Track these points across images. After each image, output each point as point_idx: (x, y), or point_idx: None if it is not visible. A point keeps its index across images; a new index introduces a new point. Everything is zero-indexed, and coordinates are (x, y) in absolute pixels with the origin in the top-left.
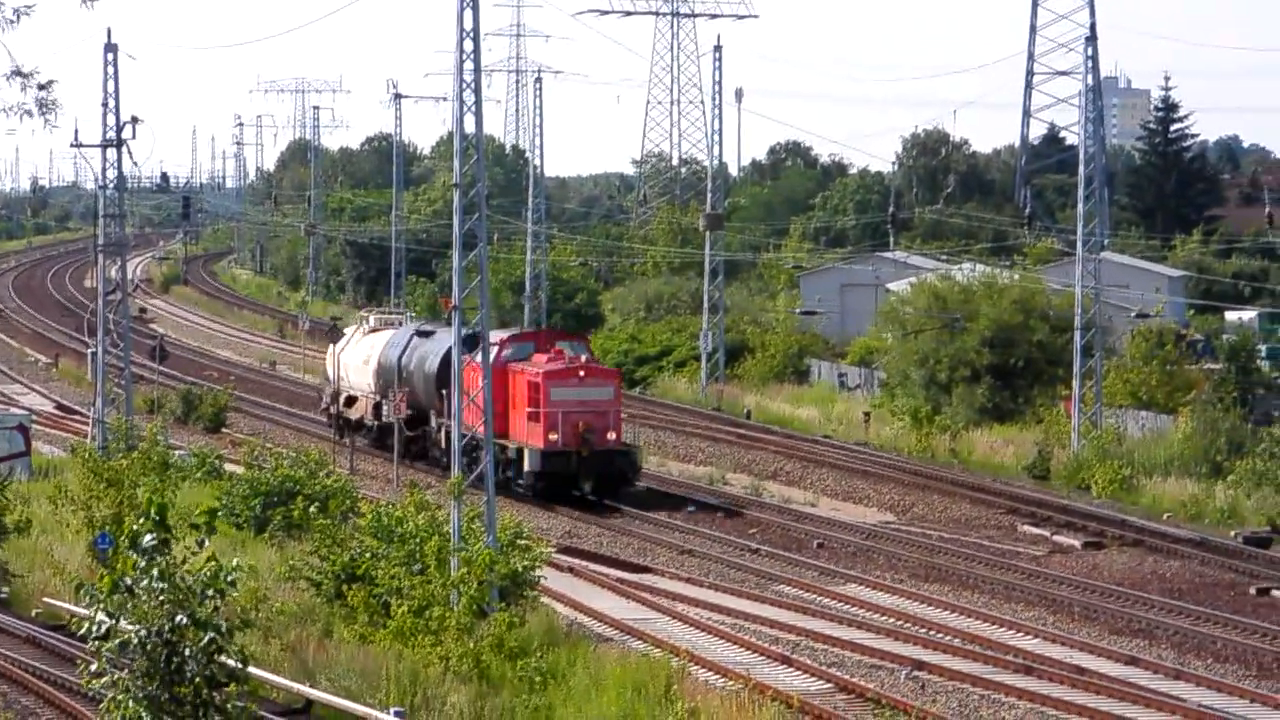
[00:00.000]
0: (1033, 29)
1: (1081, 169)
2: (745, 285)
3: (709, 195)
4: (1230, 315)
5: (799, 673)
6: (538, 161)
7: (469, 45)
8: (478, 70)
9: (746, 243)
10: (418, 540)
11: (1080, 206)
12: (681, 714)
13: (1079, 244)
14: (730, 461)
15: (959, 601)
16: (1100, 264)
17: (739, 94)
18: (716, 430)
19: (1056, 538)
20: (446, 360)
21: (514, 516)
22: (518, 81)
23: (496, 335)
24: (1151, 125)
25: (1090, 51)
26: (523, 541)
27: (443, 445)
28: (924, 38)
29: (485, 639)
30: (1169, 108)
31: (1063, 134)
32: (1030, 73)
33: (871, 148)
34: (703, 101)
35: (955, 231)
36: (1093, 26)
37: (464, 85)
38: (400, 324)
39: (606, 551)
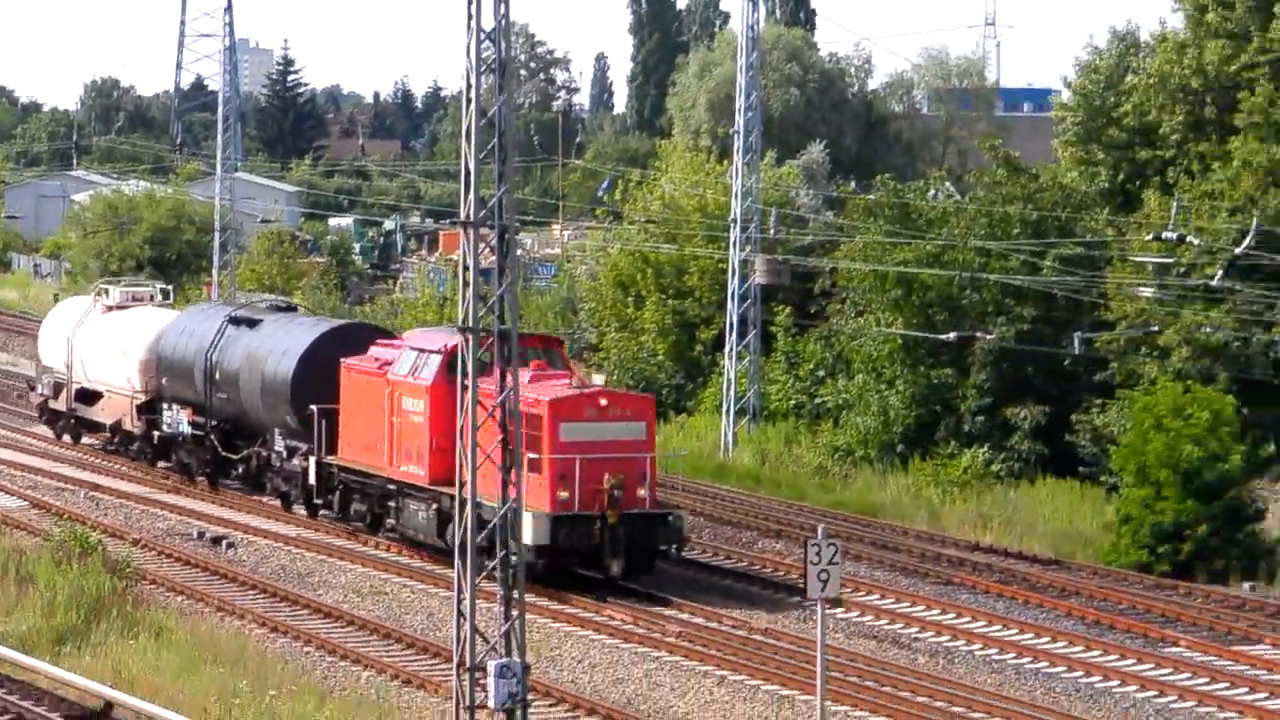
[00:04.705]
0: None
1: (220, 109)
2: None
3: None
4: (332, 221)
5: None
6: None
7: None
8: None
9: None
10: None
11: (219, 138)
12: None
13: (218, 166)
14: None
15: None
16: (235, 182)
17: None
18: None
19: None
20: (309, 362)
21: None
22: None
23: (426, 335)
24: (274, 76)
25: (228, 19)
26: None
27: (311, 480)
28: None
29: None
30: (288, 63)
31: (208, 82)
32: (182, 35)
33: (60, 90)
34: None
35: (125, 156)
36: (230, 1)
37: None
38: (152, 299)
39: None
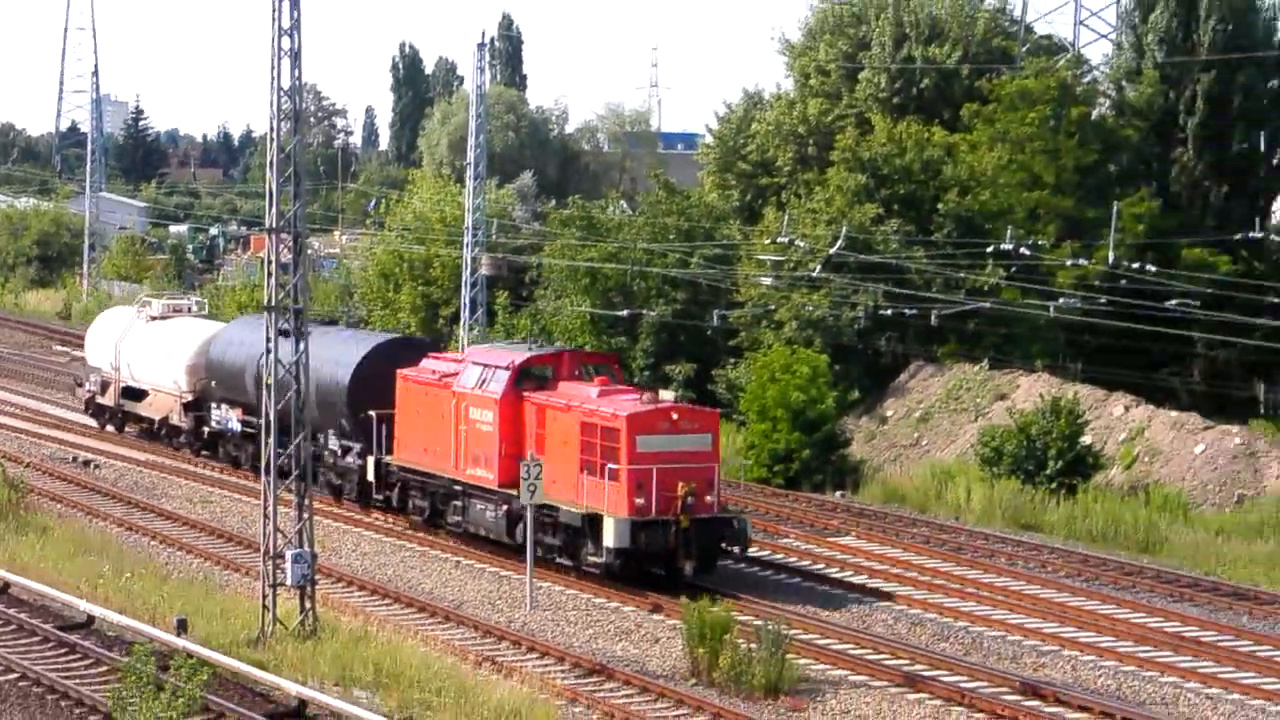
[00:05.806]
0: (63, 56)
1: (89, 145)
2: None
3: None
4: (172, 228)
5: None
6: None
7: None
8: None
9: None
10: None
11: (89, 166)
12: None
13: (88, 188)
14: None
15: (19, 388)
16: (99, 200)
17: None
18: None
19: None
20: (362, 371)
21: None
22: None
23: (490, 352)
24: (129, 121)
25: (95, 79)
26: None
27: (369, 476)
28: None
29: None
30: (139, 112)
31: (80, 125)
32: (61, 90)
33: None
34: None
35: (18, 180)
36: (98, 63)
37: None
38: (190, 310)
39: None
